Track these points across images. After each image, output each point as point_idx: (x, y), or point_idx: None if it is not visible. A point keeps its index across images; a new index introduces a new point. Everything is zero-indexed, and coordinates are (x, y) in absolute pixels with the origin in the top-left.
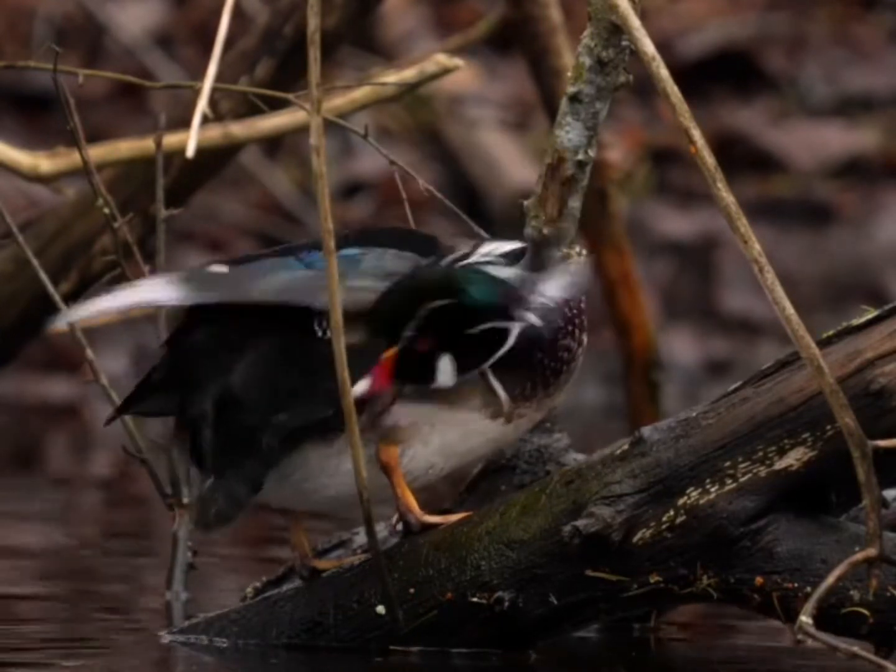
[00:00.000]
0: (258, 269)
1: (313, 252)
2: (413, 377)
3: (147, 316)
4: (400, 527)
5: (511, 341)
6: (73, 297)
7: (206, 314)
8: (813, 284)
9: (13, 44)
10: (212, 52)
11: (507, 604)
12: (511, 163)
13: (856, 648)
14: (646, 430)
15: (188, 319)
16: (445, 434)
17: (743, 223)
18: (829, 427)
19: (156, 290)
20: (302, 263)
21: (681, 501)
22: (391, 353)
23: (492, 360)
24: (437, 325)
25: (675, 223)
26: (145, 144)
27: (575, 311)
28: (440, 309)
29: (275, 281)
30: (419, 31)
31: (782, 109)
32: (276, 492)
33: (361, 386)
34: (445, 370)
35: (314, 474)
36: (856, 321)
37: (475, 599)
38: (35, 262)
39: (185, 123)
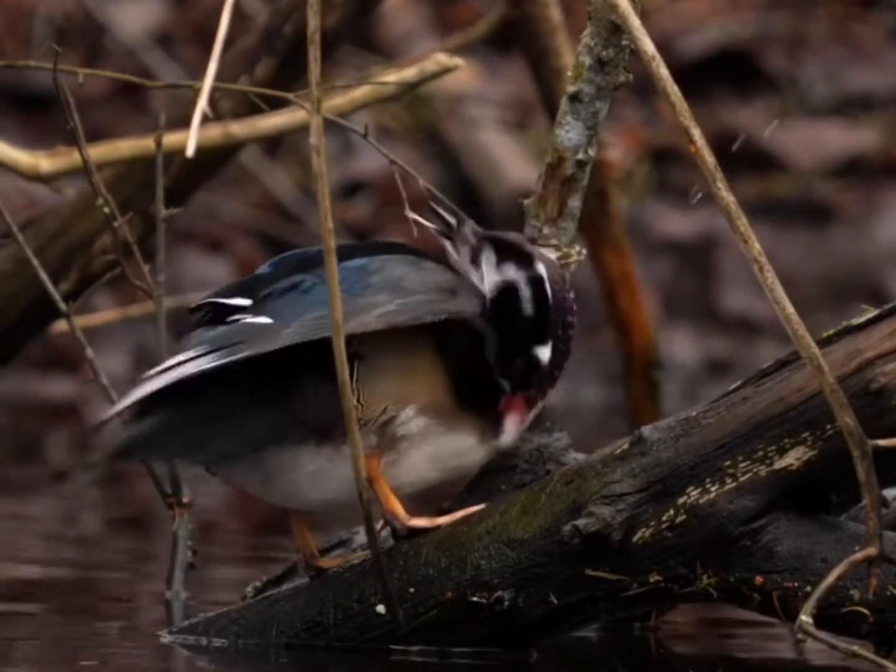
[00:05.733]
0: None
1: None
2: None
3: (147, 316)
4: (387, 532)
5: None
6: (73, 297)
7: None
8: (813, 284)
9: (13, 43)
10: (212, 51)
11: (507, 603)
12: (511, 163)
13: (856, 648)
14: (646, 430)
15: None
16: (440, 450)
17: (743, 223)
18: (829, 426)
19: (188, 365)
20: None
21: (681, 501)
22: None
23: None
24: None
25: (675, 223)
26: (145, 144)
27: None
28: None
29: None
30: (419, 31)
31: (782, 109)
32: (266, 489)
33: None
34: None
35: (303, 477)
36: (856, 320)
37: (475, 599)
38: (35, 261)
39: (185, 123)
